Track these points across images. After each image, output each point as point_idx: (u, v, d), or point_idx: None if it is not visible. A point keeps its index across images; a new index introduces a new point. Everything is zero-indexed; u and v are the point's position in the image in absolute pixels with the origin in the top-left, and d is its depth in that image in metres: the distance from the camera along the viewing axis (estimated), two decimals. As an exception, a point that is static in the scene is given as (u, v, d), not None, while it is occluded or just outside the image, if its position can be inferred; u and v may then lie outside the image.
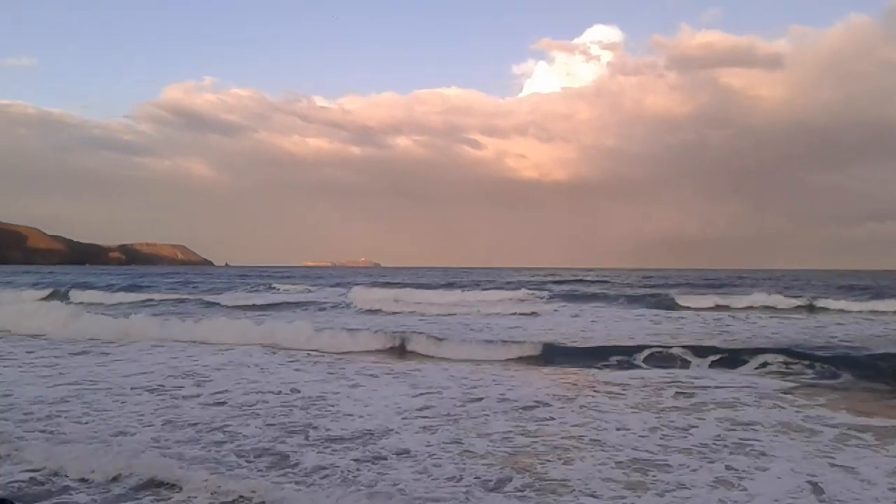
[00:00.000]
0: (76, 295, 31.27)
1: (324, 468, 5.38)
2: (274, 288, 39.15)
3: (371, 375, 10.07)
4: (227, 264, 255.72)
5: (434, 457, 5.71)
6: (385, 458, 5.68)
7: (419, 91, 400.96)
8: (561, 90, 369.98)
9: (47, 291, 33.96)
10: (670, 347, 12.33)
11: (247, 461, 5.58)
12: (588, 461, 5.62)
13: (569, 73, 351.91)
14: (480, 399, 8.25)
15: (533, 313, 22.40)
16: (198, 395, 8.34)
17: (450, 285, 41.77)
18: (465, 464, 5.53)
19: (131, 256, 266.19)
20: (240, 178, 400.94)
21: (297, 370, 10.57)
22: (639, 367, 11.38)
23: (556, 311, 23.77)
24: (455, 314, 21.89)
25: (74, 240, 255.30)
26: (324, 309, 25.02)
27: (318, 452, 5.82)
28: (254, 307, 25.69)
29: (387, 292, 33.07)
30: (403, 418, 7.14)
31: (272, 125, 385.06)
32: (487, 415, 7.36)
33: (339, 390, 8.77)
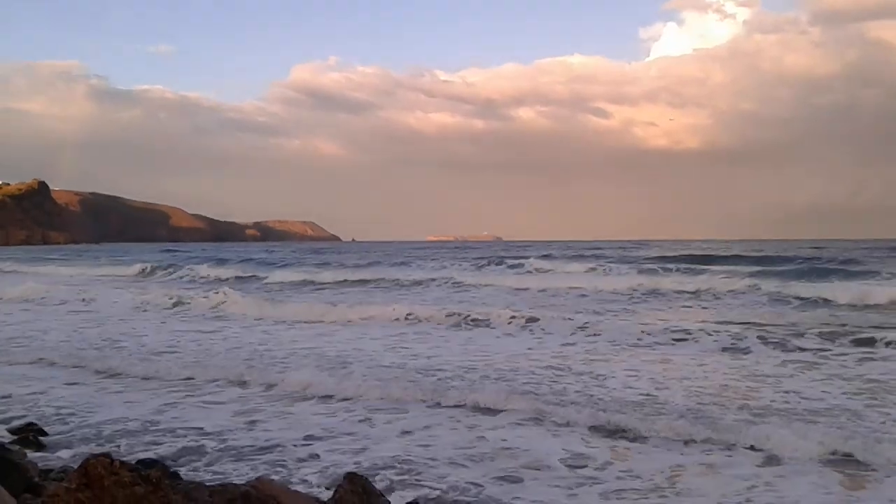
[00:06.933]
0: None
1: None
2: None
3: None
4: (353, 240, 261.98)
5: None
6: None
7: (542, 60, 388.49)
8: (693, 52, 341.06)
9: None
10: None
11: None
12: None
13: (701, 34, 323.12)
14: None
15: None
16: None
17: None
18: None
19: (265, 233, 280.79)
20: (366, 155, 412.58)
21: None
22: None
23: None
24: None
25: (214, 218, 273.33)
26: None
27: None
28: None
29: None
30: None
31: (396, 101, 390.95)
32: None
33: None
